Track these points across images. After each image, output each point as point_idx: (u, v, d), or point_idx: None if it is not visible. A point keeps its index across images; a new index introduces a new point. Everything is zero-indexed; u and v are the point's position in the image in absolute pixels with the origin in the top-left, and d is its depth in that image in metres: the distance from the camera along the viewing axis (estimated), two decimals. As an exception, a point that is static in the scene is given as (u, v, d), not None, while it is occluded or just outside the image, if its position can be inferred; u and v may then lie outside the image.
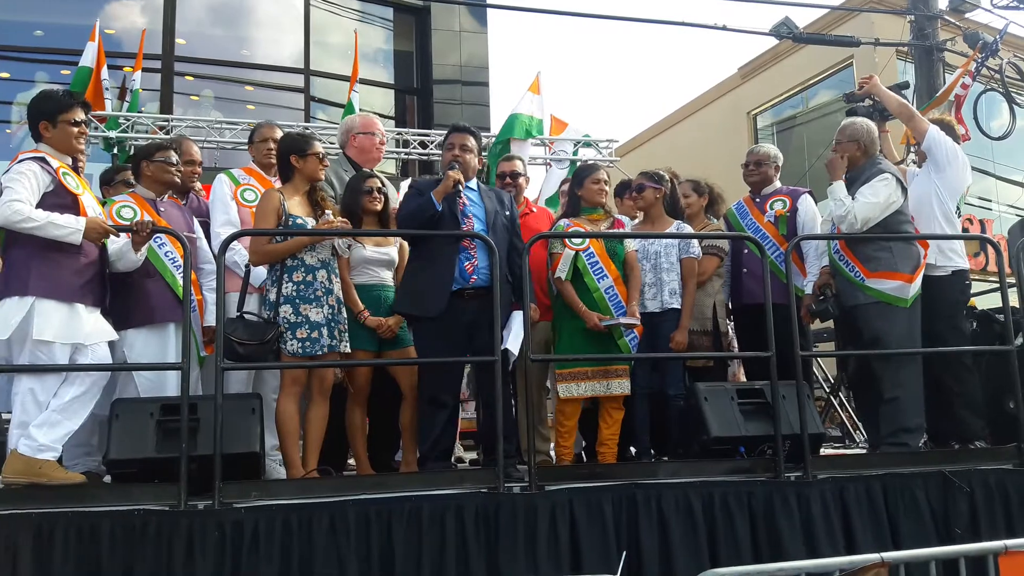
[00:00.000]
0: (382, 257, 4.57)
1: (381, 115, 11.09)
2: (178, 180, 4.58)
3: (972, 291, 5.38)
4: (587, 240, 4.67)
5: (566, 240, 4.66)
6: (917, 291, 4.74)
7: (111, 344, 4.06)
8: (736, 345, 5.47)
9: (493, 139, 9.59)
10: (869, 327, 4.71)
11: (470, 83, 11.86)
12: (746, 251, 5.16)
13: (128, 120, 8.89)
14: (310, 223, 4.27)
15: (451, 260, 4.32)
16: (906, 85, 6.30)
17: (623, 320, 4.54)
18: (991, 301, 6.80)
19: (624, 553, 3.74)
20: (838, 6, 13.83)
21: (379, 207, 4.56)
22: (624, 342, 4.61)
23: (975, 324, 5.38)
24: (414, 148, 10.03)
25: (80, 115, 4.04)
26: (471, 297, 4.30)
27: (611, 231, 4.81)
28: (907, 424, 4.64)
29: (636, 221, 5.27)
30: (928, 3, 10.05)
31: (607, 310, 4.59)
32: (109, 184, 5.31)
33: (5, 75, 10.46)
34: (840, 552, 3.95)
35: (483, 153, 5.08)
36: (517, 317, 4.39)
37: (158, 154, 4.50)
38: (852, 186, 4.84)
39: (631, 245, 4.77)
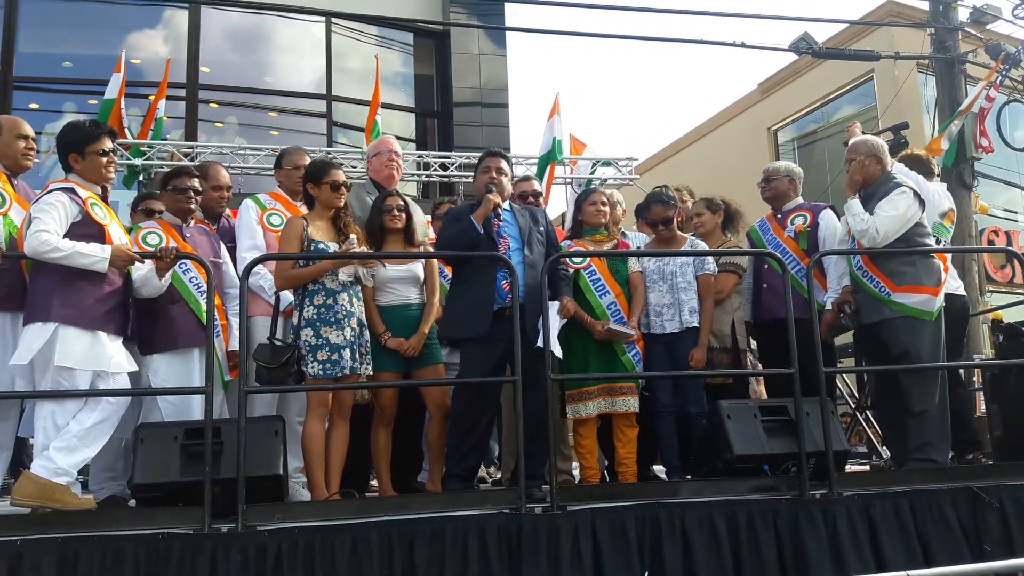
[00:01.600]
0: (406, 275, 4.59)
1: (402, 138, 11.18)
2: (191, 207, 4.62)
3: (999, 304, 5.34)
4: (588, 259, 4.73)
5: (567, 260, 4.71)
6: (941, 304, 4.69)
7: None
8: (755, 363, 5.44)
9: (516, 163, 9.65)
10: (897, 342, 4.67)
11: (490, 105, 11.95)
12: (766, 267, 5.15)
13: (152, 148, 9.04)
14: (332, 248, 4.32)
15: (490, 280, 4.40)
16: (905, 126, 6.40)
17: (623, 328, 4.55)
18: (1018, 314, 6.71)
19: (647, 574, 3.72)
20: (857, 21, 13.78)
21: (399, 225, 4.59)
22: (628, 358, 4.63)
23: (1001, 338, 5.32)
24: (435, 170, 10.11)
25: (108, 144, 4.12)
26: (511, 316, 4.32)
27: (624, 251, 4.86)
28: (934, 438, 4.60)
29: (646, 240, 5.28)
30: (948, 16, 9.99)
31: None
32: (134, 211, 5.39)
33: (35, 106, 10.69)
34: (870, 570, 3.90)
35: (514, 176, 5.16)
36: (553, 308, 4.36)
37: (172, 182, 4.58)
38: (870, 201, 4.82)
39: (634, 266, 4.82)
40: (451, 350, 4.78)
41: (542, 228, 4.62)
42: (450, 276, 4.88)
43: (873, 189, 4.86)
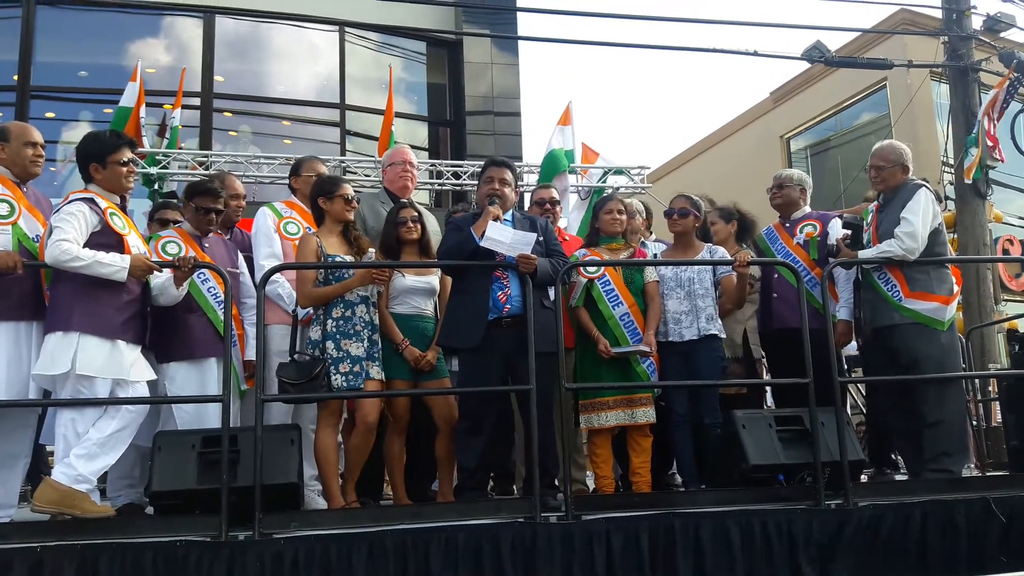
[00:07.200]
0: (423, 286, 4.61)
1: (414, 146, 11.23)
2: (211, 228, 4.65)
3: (1015, 313, 5.33)
4: (602, 268, 4.70)
5: (580, 269, 4.70)
6: (953, 315, 4.68)
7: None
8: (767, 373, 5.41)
9: (528, 171, 9.74)
10: (907, 349, 4.66)
11: (502, 113, 11.97)
12: (776, 276, 5.12)
13: (167, 156, 9.10)
14: (349, 260, 4.39)
15: (486, 291, 4.39)
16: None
17: (629, 349, 4.54)
18: (1034, 324, 6.67)
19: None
20: (870, 29, 13.76)
21: (415, 236, 4.62)
22: (642, 369, 4.61)
23: (1017, 347, 5.30)
24: (447, 179, 10.14)
25: (128, 155, 4.17)
26: (508, 326, 4.34)
27: (636, 260, 4.84)
28: (950, 448, 4.58)
29: (664, 248, 5.26)
30: (962, 24, 9.98)
31: (622, 337, 4.61)
32: (151, 220, 5.43)
33: (51, 115, 10.80)
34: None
35: (519, 184, 5.15)
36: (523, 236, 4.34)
37: (196, 200, 4.58)
38: (890, 205, 4.83)
39: (651, 276, 4.77)
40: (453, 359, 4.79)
41: (541, 237, 4.57)
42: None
43: (892, 195, 4.89)
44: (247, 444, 3.81)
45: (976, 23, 10.12)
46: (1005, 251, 13.55)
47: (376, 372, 4.29)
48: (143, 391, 4.01)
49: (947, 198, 10.83)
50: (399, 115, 10.63)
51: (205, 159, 9.37)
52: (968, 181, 9.38)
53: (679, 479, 4.96)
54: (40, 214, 4.18)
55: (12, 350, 3.96)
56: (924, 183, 4.84)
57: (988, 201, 9.76)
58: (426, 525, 3.82)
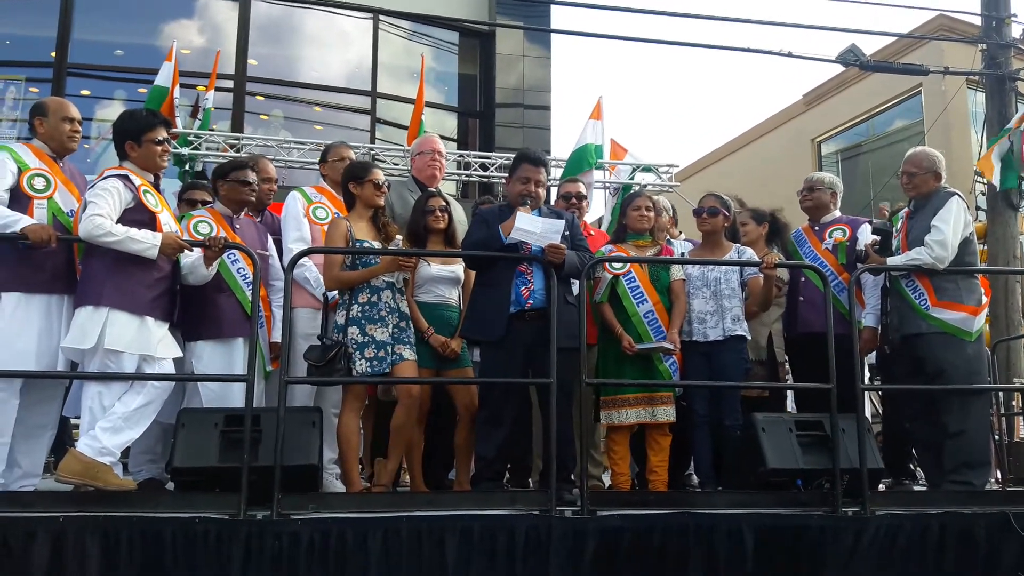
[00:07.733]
0: (448, 275, 4.65)
1: (443, 137, 11.24)
2: (252, 199, 4.70)
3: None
4: (628, 265, 4.69)
5: (606, 264, 4.69)
6: (982, 326, 4.63)
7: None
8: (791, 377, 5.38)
9: (556, 165, 9.72)
10: (933, 358, 4.62)
11: (532, 106, 11.95)
12: (803, 279, 5.10)
13: (199, 137, 9.18)
14: (376, 247, 4.41)
15: (508, 285, 4.38)
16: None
17: (653, 345, 4.53)
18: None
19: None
20: (907, 34, 13.58)
21: (442, 226, 4.64)
22: (664, 367, 4.60)
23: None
24: (475, 170, 10.15)
25: (163, 134, 4.23)
26: (531, 319, 4.35)
27: (663, 257, 4.83)
28: (972, 460, 4.54)
29: (691, 248, 5.24)
30: (1001, 31, 9.84)
31: (646, 334, 4.60)
32: (180, 200, 5.48)
33: (86, 92, 10.91)
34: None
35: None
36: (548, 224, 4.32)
37: (232, 174, 4.64)
38: (921, 212, 4.79)
39: (677, 274, 4.76)
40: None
41: (566, 232, 4.54)
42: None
43: (923, 202, 4.85)
44: (269, 424, 3.86)
45: (1016, 31, 9.98)
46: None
47: (409, 353, 4.32)
48: (169, 368, 4.06)
49: (979, 208, 10.70)
50: (429, 105, 10.64)
51: (236, 141, 9.46)
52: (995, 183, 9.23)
53: (696, 479, 4.95)
54: (75, 188, 4.25)
55: (43, 322, 4.03)
56: (957, 192, 4.79)
57: (1020, 213, 9.63)
58: (442, 513, 3.86)
